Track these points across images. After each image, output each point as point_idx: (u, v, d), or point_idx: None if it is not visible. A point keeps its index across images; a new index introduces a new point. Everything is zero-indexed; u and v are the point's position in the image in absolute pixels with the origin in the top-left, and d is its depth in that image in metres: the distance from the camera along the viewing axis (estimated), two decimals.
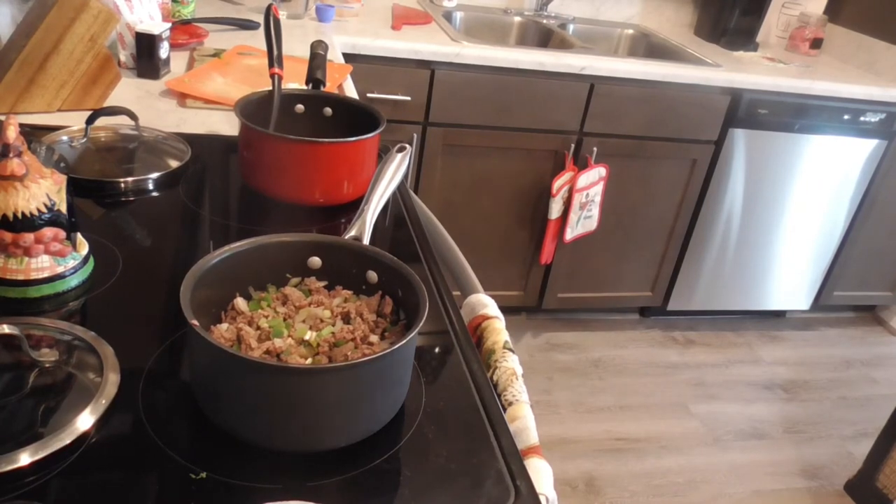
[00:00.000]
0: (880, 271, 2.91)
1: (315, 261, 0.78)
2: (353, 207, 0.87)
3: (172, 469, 0.60)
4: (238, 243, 0.73)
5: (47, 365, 0.68)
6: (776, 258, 2.74)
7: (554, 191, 2.31)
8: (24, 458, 0.58)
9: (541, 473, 0.70)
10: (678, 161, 2.45)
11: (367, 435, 0.65)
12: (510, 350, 0.85)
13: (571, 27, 2.71)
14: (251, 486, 0.60)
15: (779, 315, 3.02)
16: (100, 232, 0.91)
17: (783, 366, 2.73)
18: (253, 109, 1.07)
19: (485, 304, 0.94)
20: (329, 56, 1.32)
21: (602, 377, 2.49)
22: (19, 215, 0.76)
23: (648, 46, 2.70)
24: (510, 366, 0.83)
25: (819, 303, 2.90)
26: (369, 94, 2.05)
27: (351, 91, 1.59)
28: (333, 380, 0.62)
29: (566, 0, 2.74)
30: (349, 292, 0.77)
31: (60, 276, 0.80)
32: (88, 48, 1.25)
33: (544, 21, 2.65)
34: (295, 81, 1.36)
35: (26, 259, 0.78)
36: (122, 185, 1.04)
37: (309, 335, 0.70)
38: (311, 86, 1.18)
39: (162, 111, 1.33)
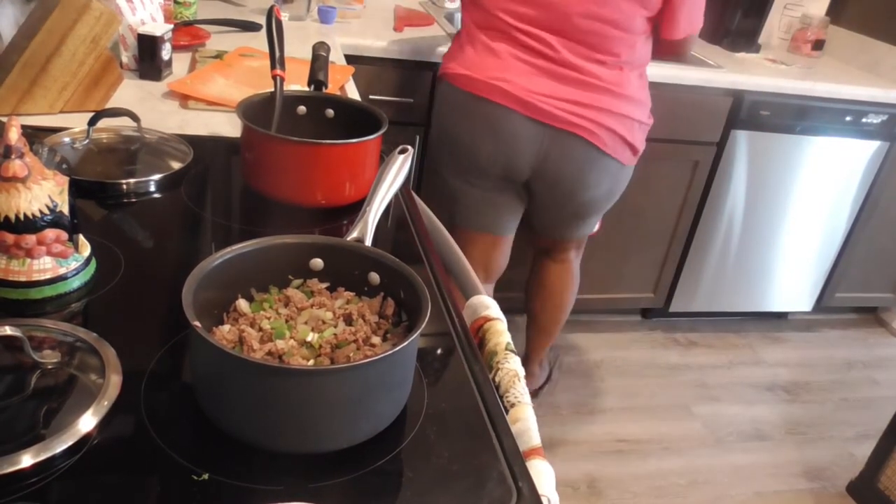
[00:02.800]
0: (882, 273, 2.90)
1: (317, 262, 0.78)
2: (355, 209, 0.87)
3: (174, 470, 0.60)
4: (240, 245, 0.73)
5: (49, 366, 0.68)
6: (778, 260, 2.73)
7: None
8: (26, 460, 0.57)
9: (542, 475, 0.70)
10: (680, 162, 2.44)
11: (369, 436, 0.65)
12: (512, 351, 0.85)
13: None
14: (253, 487, 0.60)
15: (780, 316, 3.02)
16: (102, 233, 0.91)
17: (785, 367, 2.72)
18: (255, 111, 1.07)
19: (487, 305, 0.94)
20: (331, 58, 1.32)
21: (604, 378, 2.49)
22: (21, 217, 0.76)
23: None
24: (512, 367, 0.83)
25: (821, 304, 2.90)
26: (371, 96, 2.05)
27: (353, 92, 1.59)
28: (335, 381, 0.62)
29: None
30: (351, 294, 0.77)
31: (62, 278, 0.80)
32: (90, 50, 1.25)
33: None
34: (297, 83, 1.36)
35: (28, 260, 0.78)
36: (124, 186, 1.04)
37: (311, 337, 0.70)
38: (313, 87, 1.18)
39: (164, 113, 1.33)
